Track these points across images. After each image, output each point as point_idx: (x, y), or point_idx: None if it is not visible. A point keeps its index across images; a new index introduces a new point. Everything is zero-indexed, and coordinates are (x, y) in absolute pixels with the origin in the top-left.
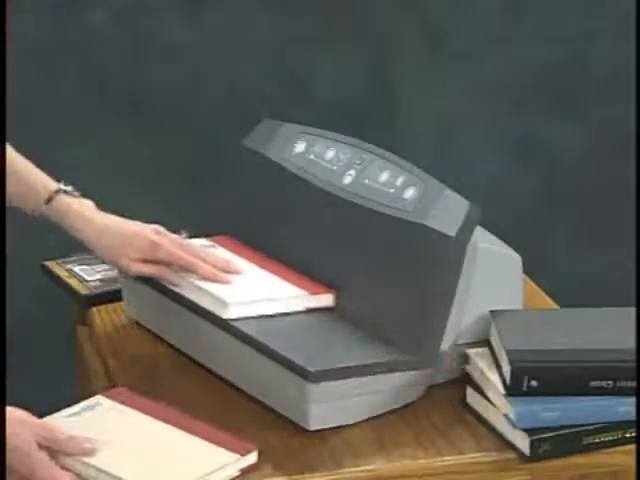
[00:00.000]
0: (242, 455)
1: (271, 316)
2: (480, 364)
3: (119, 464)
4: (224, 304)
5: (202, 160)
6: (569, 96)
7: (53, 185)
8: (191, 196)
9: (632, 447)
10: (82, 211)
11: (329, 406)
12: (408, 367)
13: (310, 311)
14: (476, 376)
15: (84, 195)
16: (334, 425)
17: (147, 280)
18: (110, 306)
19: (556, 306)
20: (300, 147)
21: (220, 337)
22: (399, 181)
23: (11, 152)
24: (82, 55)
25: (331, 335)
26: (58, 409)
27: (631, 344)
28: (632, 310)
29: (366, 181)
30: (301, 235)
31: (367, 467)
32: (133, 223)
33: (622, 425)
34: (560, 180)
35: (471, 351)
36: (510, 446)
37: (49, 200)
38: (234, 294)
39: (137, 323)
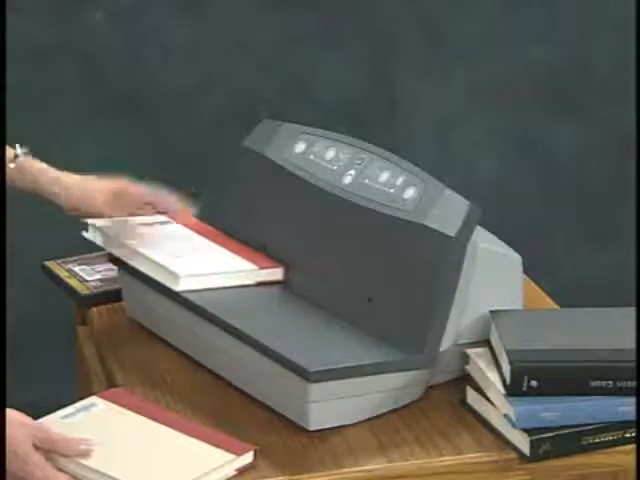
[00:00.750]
0: (238, 455)
1: (224, 289)
2: (480, 364)
3: (115, 465)
4: (175, 276)
5: (202, 160)
6: (569, 96)
7: (10, 152)
8: (190, 196)
9: (632, 447)
10: (41, 168)
11: (329, 406)
12: (408, 367)
13: (261, 284)
14: (476, 376)
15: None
16: (334, 425)
17: (147, 280)
18: (110, 306)
19: (556, 306)
20: (300, 147)
21: (220, 337)
22: (399, 181)
23: None
24: (82, 55)
25: (331, 335)
26: (58, 409)
27: (631, 344)
28: (632, 310)
29: (366, 181)
30: (301, 235)
31: (367, 467)
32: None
33: (622, 425)
34: (560, 180)
35: (471, 351)
36: (510, 446)
37: (15, 157)
38: (186, 267)
39: (137, 323)
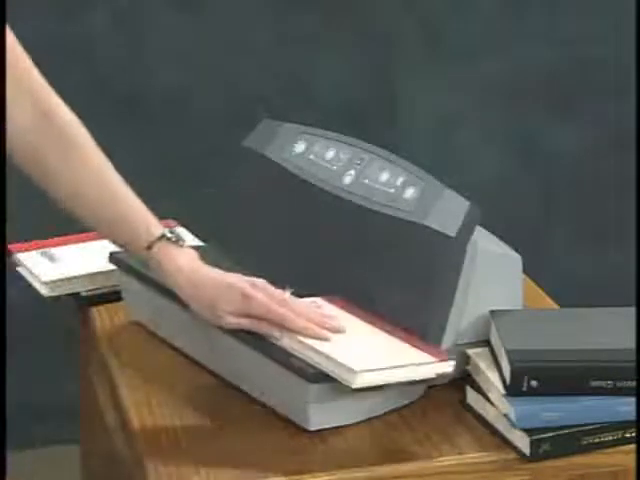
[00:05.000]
0: (439, 361)
1: None
2: (480, 364)
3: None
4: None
5: (202, 160)
6: (569, 96)
7: (157, 230)
8: (191, 196)
9: (632, 447)
10: (178, 262)
11: (329, 406)
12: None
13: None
14: (476, 376)
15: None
16: (334, 425)
17: (147, 280)
18: (110, 306)
19: (556, 306)
20: (300, 147)
21: (220, 337)
22: (399, 181)
23: (119, 183)
24: (82, 55)
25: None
26: (58, 409)
27: (631, 344)
28: (632, 310)
29: (366, 181)
30: (301, 235)
31: (367, 467)
32: (230, 275)
33: (622, 425)
34: (560, 180)
35: (471, 351)
36: (510, 446)
37: (149, 247)
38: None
39: (137, 323)
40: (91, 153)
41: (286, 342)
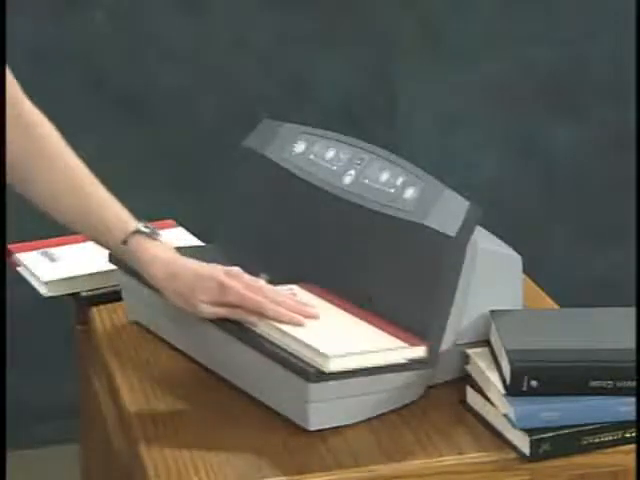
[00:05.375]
0: (412, 346)
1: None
2: (480, 364)
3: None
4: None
5: (202, 160)
6: (569, 96)
7: (131, 226)
8: (191, 196)
9: (632, 447)
10: (155, 254)
11: (329, 406)
12: (408, 367)
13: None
14: (476, 376)
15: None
16: (334, 425)
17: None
18: (110, 306)
19: (556, 306)
20: (300, 147)
21: (219, 337)
22: (399, 181)
23: (93, 180)
24: (82, 55)
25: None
26: (58, 409)
27: (631, 344)
28: (632, 310)
29: (366, 181)
30: (301, 235)
31: (367, 467)
32: (205, 265)
33: (622, 425)
34: (560, 180)
35: (471, 351)
36: (510, 446)
37: (125, 242)
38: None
39: (137, 323)
40: (66, 159)
41: (262, 329)
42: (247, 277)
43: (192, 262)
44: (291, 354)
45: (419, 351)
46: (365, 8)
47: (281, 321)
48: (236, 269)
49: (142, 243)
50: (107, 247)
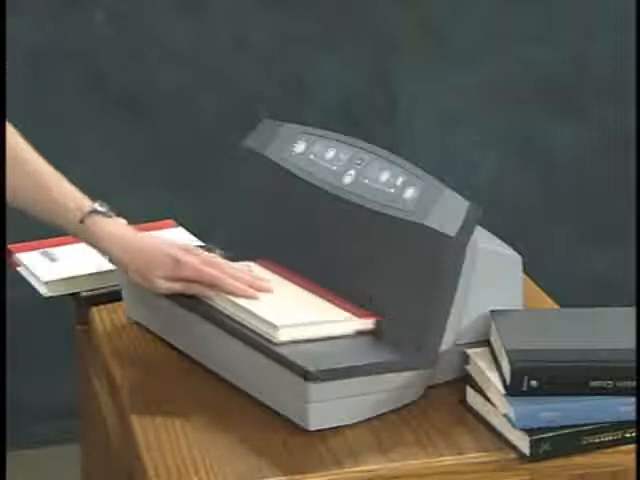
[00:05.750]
0: (361, 318)
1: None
2: (480, 364)
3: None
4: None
5: (202, 160)
6: (569, 96)
7: (87, 206)
8: (191, 196)
9: (632, 447)
10: (111, 232)
11: (329, 406)
12: (408, 367)
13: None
14: (476, 376)
15: (117, 214)
16: (334, 425)
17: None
18: (110, 306)
19: (556, 306)
20: (300, 147)
21: (220, 337)
22: (399, 181)
23: (42, 164)
24: (82, 55)
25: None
26: (58, 409)
27: (631, 344)
28: (632, 310)
29: (366, 181)
30: (301, 235)
31: (367, 467)
32: (160, 241)
33: (622, 425)
34: (560, 180)
35: (471, 351)
36: (510, 446)
37: (81, 221)
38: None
39: (137, 323)
40: (26, 156)
41: (216, 302)
42: (203, 252)
43: (148, 238)
44: (244, 326)
45: (367, 323)
46: (365, 8)
47: (236, 295)
48: (192, 245)
49: (98, 222)
50: (66, 229)
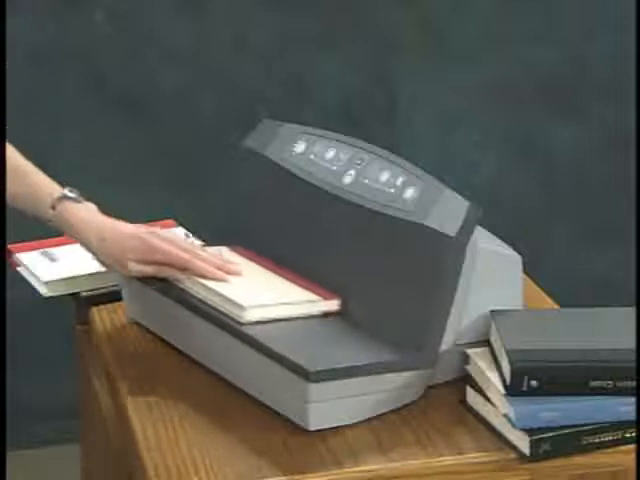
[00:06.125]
0: (325, 299)
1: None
2: (480, 364)
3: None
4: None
5: (202, 160)
6: (569, 96)
7: (57, 191)
8: (191, 196)
9: (632, 447)
10: (83, 217)
11: (329, 406)
12: (408, 367)
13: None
14: (476, 376)
15: (87, 199)
16: (334, 425)
17: (147, 280)
18: (110, 306)
19: (556, 306)
20: (300, 147)
21: (220, 337)
22: (399, 181)
23: (14, 153)
24: (82, 55)
25: (331, 335)
26: (58, 409)
27: (631, 344)
28: (632, 310)
29: (366, 181)
30: (301, 235)
31: (367, 467)
32: (131, 226)
33: (622, 425)
34: (560, 180)
35: (471, 351)
36: (510, 446)
37: (53, 207)
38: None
39: (137, 323)
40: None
41: (187, 284)
42: (175, 236)
43: (120, 223)
44: (213, 307)
45: (332, 305)
46: (365, 8)
47: (207, 276)
48: (164, 230)
49: (70, 208)
50: (39, 216)
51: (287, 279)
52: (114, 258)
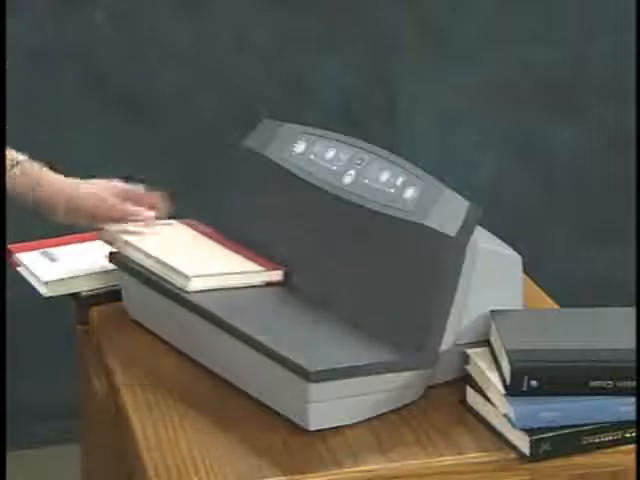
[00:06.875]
0: (269, 270)
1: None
2: (480, 364)
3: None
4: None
5: (202, 160)
6: (569, 96)
7: (14, 156)
8: (191, 196)
9: (632, 447)
10: (42, 177)
11: (329, 406)
12: (408, 367)
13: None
14: (476, 376)
15: None
16: (334, 425)
17: (147, 280)
18: (110, 306)
19: (556, 306)
20: (300, 147)
21: (220, 337)
22: (399, 181)
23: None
24: (82, 55)
25: (331, 335)
26: (58, 409)
27: (631, 344)
28: (632, 310)
29: (366, 181)
30: (300, 235)
31: (367, 467)
32: (83, 186)
33: (622, 425)
34: (560, 180)
35: (471, 351)
36: (510, 446)
37: (11, 169)
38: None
39: (137, 323)
40: None
41: (130, 252)
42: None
43: (69, 181)
44: (160, 277)
45: (276, 275)
46: (365, 8)
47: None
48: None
49: (29, 169)
50: (8, 187)
51: (234, 251)
52: (74, 218)
